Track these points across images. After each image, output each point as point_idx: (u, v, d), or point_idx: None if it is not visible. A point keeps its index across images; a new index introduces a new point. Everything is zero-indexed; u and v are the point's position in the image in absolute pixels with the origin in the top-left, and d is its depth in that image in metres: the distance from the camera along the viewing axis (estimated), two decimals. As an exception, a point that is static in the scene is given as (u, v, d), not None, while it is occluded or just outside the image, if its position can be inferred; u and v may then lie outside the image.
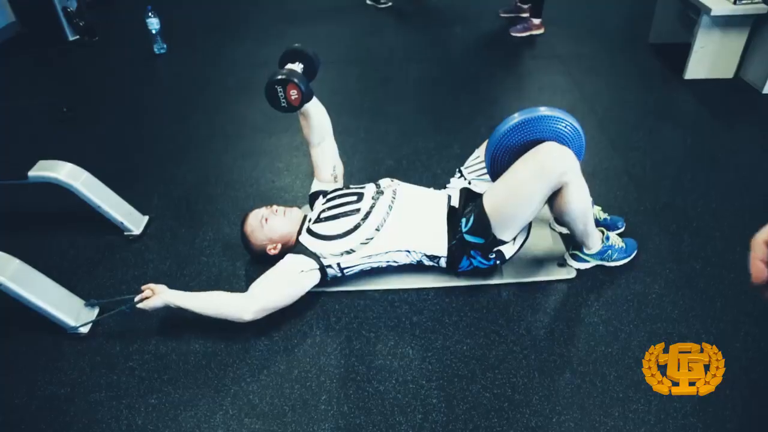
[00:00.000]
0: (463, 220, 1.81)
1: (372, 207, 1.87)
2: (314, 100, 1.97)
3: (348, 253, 1.84)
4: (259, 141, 2.94)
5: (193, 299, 1.78)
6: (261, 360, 1.73)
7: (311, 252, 1.85)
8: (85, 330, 1.84)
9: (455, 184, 2.07)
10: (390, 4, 4.78)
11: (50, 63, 4.13)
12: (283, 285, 1.81)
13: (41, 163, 2.15)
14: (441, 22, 4.55)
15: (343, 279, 1.93)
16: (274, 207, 1.99)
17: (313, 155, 2.14)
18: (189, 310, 1.75)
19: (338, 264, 1.86)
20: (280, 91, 1.82)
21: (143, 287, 1.80)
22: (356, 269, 1.90)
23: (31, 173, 2.10)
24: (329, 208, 1.92)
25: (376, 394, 1.61)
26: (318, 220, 1.90)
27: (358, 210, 1.87)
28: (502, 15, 4.40)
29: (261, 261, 2.02)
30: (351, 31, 4.44)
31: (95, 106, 3.46)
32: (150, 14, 3.93)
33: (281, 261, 1.85)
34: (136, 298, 1.78)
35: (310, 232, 1.89)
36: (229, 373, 1.70)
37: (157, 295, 1.76)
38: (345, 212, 1.88)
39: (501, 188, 1.76)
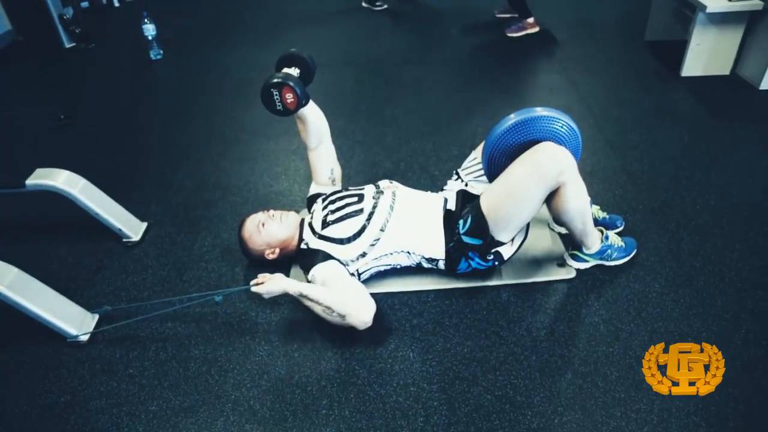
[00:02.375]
0: (461, 222, 1.80)
1: (374, 207, 1.87)
2: (311, 103, 1.97)
3: (362, 256, 1.85)
4: (256, 145, 2.94)
5: (316, 289, 1.72)
6: (261, 365, 1.73)
7: (336, 258, 1.83)
8: (84, 338, 1.83)
9: (452, 186, 2.07)
10: (385, 6, 4.79)
11: (47, 70, 4.13)
12: (361, 286, 1.77)
13: (39, 171, 2.14)
14: (436, 23, 4.55)
15: None
16: (271, 211, 1.99)
17: (311, 158, 2.13)
18: (307, 298, 1.70)
19: (357, 270, 1.86)
20: (276, 95, 1.82)
21: (260, 275, 1.79)
22: (367, 274, 1.90)
23: (29, 181, 2.10)
24: (332, 212, 1.91)
25: (377, 397, 1.61)
26: (325, 224, 1.89)
27: (361, 210, 1.87)
28: (498, 15, 4.40)
29: (259, 266, 2.02)
30: (347, 33, 4.44)
31: (92, 112, 3.46)
32: (146, 20, 3.94)
33: (329, 274, 1.78)
34: (252, 281, 1.77)
35: (322, 237, 1.87)
36: (230, 379, 1.70)
37: (276, 281, 1.74)
38: (349, 213, 1.87)
39: (498, 189, 1.75)
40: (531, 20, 4.03)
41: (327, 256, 1.84)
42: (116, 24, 5.02)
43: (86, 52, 4.35)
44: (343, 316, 1.67)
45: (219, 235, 2.28)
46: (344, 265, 1.84)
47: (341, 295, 1.71)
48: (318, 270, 1.81)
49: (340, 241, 1.84)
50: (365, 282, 1.92)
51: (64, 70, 4.13)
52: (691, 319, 1.77)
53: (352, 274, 1.86)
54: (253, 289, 1.75)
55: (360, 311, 1.67)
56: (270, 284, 1.74)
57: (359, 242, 1.83)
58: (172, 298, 1.95)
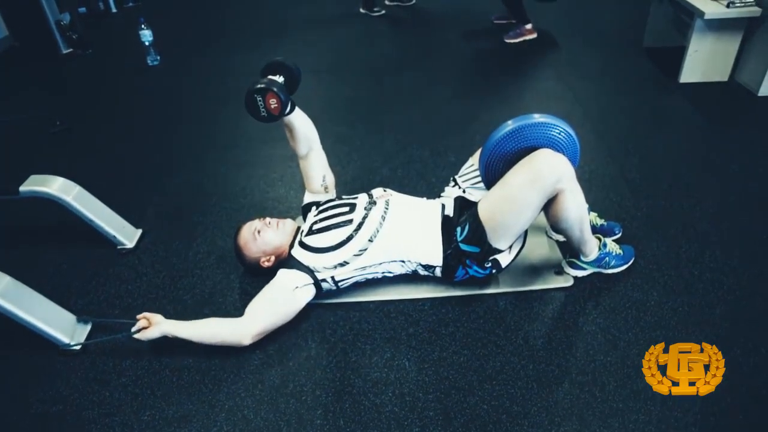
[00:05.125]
0: (458, 229, 1.79)
1: (364, 218, 1.85)
2: (298, 111, 1.96)
3: (342, 265, 1.82)
4: (252, 152, 2.93)
5: (190, 328, 1.75)
6: (255, 374, 1.71)
7: (304, 266, 1.83)
8: (77, 347, 1.81)
9: (449, 193, 2.06)
10: (383, 12, 4.79)
11: (43, 76, 4.12)
12: (279, 305, 1.79)
13: (33, 177, 2.13)
14: (434, 29, 4.55)
15: (338, 292, 1.91)
16: (267, 219, 1.97)
17: (303, 166, 2.12)
18: (187, 340, 1.73)
19: (332, 277, 1.84)
20: (260, 101, 1.82)
21: (138, 317, 1.77)
22: (350, 281, 1.88)
23: (23, 188, 2.09)
24: (321, 220, 1.90)
25: (372, 407, 1.59)
26: (310, 232, 1.88)
27: (350, 221, 1.85)
28: (495, 22, 4.41)
29: (255, 273, 2.01)
30: (345, 39, 4.44)
31: (88, 118, 3.44)
32: (142, 26, 3.94)
33: (275, 278, 1.83)
34: (133, 329, 1.75)
35: (302, 245, 1.87)
36: (223, 388, 1.68)
37: (155, 326, 1.74)
38: (337, 223, 1.86)
39: (496, 196, 1.74)
40: (529, 26, 4.03)
41: (294, 264, 1.83)
42: (113, 29, 5.02)
43: (83, 57, 4.34)
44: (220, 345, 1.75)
45: (214, 243, 2.26)
46: (315, 272, 1.82)
47: (217, 329, 1.76)
48: (279, 273, 1.84)
49: (319, 250, 1.83)
50: (349, 290, 1.91)
51: (61, 75, 4.12)
52: (689, 328, 1.75)
53: (324, 280, 1.84)
54: (135, 336, 1.74)
55: (241, 337, 1.73)
56: (148, 332, 1.73)
57: (341, 251, 1.82)
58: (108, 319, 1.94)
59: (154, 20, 4.10)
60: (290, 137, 2.05)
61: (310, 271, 1.82)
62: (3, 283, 1.72)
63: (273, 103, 1.81)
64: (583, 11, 4.63)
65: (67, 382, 1.73)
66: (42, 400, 1.68)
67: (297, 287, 1.79)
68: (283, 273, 1.83)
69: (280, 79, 1.92)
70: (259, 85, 1.80)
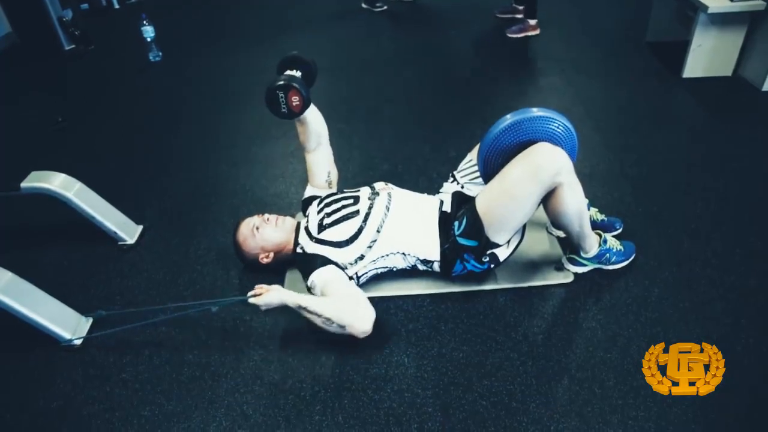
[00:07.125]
0: (456, 223, 1.78)
1: (370, 208, 1.85)
2: (312, 106, 1.96)
3: (360, 259, 1.83)
4: (253, 148, 2.93)
5: (313, 299, 1.69)
6: (255, 370, 1.71)
7: (333, 261, 1.81)
8: (78, 342, 1.82)
9: (448, 189, 2.05)
10: (385, 7, 4.77)
11: (46, 72, 4.13)
12: (359, 293, 1.75)
13: (34, 174, 2.14)
14: (436, 24, 4.54)
15: None
16: (266, 216, 1.97)
17: (309, 161, 2.12)
18: (306, 310, 1.66)
19: (356, 273, 1.84)
20: (282, 97, 1.80)
21: (257, 286, 1.74)
22: (367, 276, 1.88)
23: (24, 184, 2.10)
24: (328, 215, 1.89)
25: (371, 403, 1.59)
26: (321, 228, 1.87)
27: (357, 212, 1.85)
28: (498, 16, 4.38)
29: (254, 270, 2.01)
30: (346, 35, 4.43)
31: (90, 115, 3.45)
32: (144, 22, 3.94)
33: (329, 278, 1.77)
34: (250, 293, 1.72)
35: (320, 241, 1.85)
36: (223, 384, 1.68)
37: (273, 291, 1.70)
38: (345, 215, 1.85)
39: (494, 190, 1.74)
40: (533, 22, 4.01)
41: (326, 261, 1.81)
42: (116, 26, 5.01)
43: (85, 54, 4.34)
44: (342, 327, 1.65)
45: (215, 239, 2.26)
46: (343, 269, 1.82)
47: (340, 304, 1.68)
48: (317, 275, 1.78)
49: (338, 245, 1.82)
50: (364, 286, 1.90)
51: (62, 72, 4.13)
52: (690, 325, 1.74)
53: (351, 278, 1.84)
54: (251, 300, 1.71)
55: (359, 321, 1.65)
56: (268, 296, 1.69)
57: (356, 245, 1.82)
58: (169, 305, 1.90)
59: (156, 17, 4.10)
60: (301, 131, 2.04)
61: (341, 269, 1.82)
62: (4, 280, 1.73)
63: (295, 100, 1.80)
64: (584, 6, 4.60)
65: (67, 378, 1.74)
66: (42, 396, 1.69)
67: (350, 278, 1.80)
68: (327, 271, 1.78)
69: (297, 74, 1.91)
70: (281, 82, 1.79)
